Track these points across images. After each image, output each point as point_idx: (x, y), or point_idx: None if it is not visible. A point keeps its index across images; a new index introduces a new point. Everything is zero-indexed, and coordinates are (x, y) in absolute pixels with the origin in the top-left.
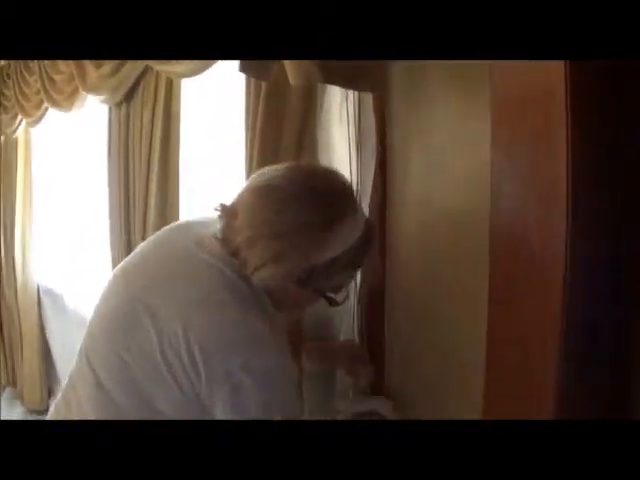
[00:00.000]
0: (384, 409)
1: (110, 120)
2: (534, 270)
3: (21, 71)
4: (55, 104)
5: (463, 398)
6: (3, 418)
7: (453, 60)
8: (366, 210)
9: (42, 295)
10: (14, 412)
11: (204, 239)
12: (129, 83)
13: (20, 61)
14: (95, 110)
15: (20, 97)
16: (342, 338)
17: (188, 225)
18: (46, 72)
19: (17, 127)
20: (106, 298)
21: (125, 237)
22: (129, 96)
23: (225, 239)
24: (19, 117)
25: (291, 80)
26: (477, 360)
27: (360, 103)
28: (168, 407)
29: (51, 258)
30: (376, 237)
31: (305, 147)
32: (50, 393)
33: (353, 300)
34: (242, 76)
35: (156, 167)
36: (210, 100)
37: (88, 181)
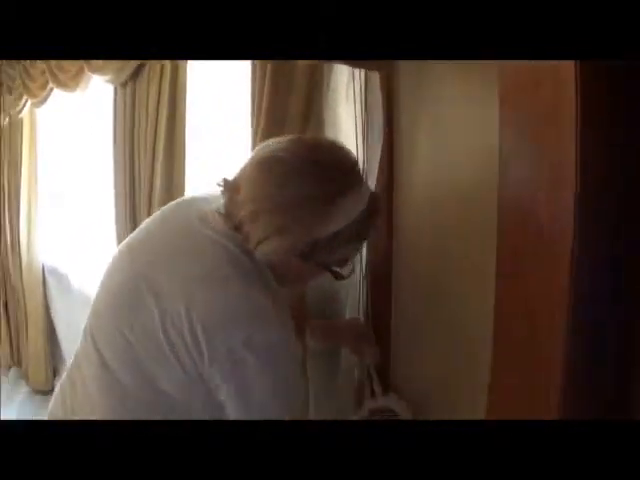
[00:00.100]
0: (398, 407)
1: (115, 100)
2: (542, 244)
3: None
4: (60, 84)
5: (471, 374)
6: (8, 398)
7: (458, 60)
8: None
9: (47, 275)
10: (19, 392)
11: (207, 214)
12: (134, 63)
13: None
14: (100, 90)
15: (25, 77)
16: (348, 316)
17: (192, 201)
18: None
19: (22, 108)
20: (110, 274)
21: (130, 217)
22: (134, 76)
23: (228, 214)
24: (24, 98)
25: None
26: (485, 335)
27: (367, 82)
28: (171, 387)
29: (56, 238)
30: (381, 210)
31: (311, 126)
32: (55, 373)
33: (359, 276)
34: None
35: (162, 147)
36: (216, 80)
37: (93, 161)
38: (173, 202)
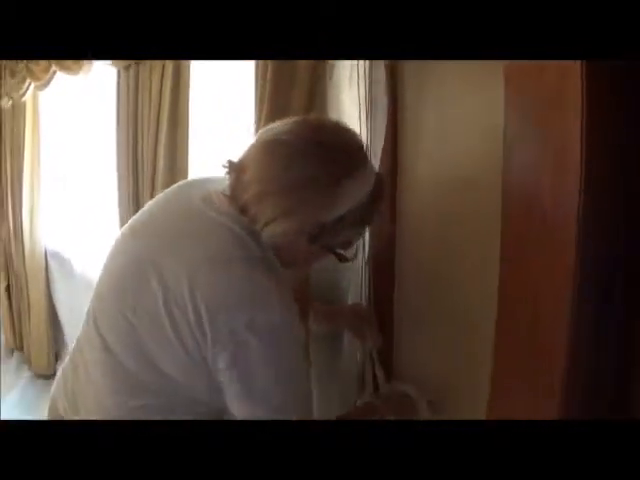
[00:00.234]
0: (412, 392)
1: (119, 83)
2: (546, 229)
3: None
4: (63, 67)
5: (473, 359)
6: (11, 383)
7: (461, 60)
8: None
9: (49, 259)
10: (21, 376)
11: (212, 196)
12: None
13: None
14: (103, 73)
15: (28, 60)
16: (350, 302)
17: (195, 183)
18: None
19: (25, 91)
20: (113, 257)
21: (133, 201)
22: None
23: (233, 195)
24: (27, 81)
25: None
26: (488, 321)
27: (372, 63)
28: (175, 370)
29: (59, 222)
30: (386, 192)
31: (315, 108)
32: (57, 357)
33: (361, 262)
34: None
35: (165, 130)
36: (219, 63)
37: (96, 145)
38: (176, 184)
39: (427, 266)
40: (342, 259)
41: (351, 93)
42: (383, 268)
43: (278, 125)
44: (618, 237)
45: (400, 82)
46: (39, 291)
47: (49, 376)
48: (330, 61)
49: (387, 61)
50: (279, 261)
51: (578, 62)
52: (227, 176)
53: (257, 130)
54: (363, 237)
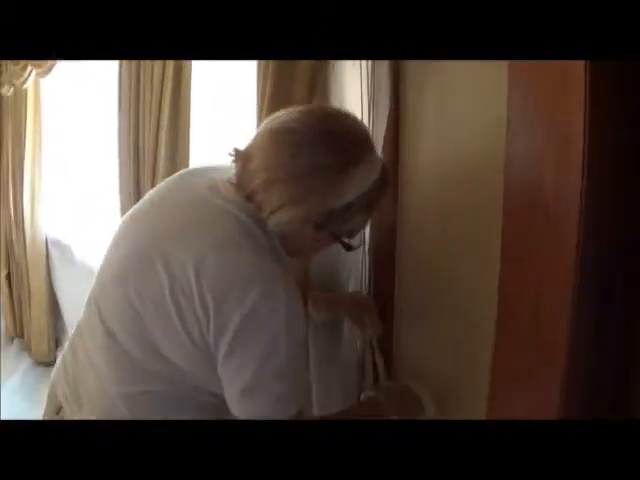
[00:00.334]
0: (415, 388)
1: (120, 70)
2: (548, 226)
3: None
4: None
5: (473, 354)
6: (11, 370)
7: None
8: None
9: (50, 246)
10: (21, 364)
11: (218, 184)
12: None
13: None
14: (105, 60)
15: None
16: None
17: (197, 171)
18: None
19: (27, 78)
20: (116, 245)
21: (134, 188)
22: None
23: (240, 183)
24: (29, 68)
25: None
26: (488, 312)
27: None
28: (180, 358)
29: (60, 210)
30: (392, 181)
31: (317, 98)
32: (57, 344)
33: (361, 254)
34: None
35: (166, 117)
36: None
37: (98, 132)
38: (177, 173)
39: (427, 259)
40: (347, 247)
41: (353, 85)
42: (383, 259)
43: (285, 113)
44: (619, 236)
45: (402, 74)
46: (40, 278)
47: (49, 363)
48: None
49: None
50: (285, 249)
51: None
52: (231, 164)
53: (259, 119)
54: (363, 229)
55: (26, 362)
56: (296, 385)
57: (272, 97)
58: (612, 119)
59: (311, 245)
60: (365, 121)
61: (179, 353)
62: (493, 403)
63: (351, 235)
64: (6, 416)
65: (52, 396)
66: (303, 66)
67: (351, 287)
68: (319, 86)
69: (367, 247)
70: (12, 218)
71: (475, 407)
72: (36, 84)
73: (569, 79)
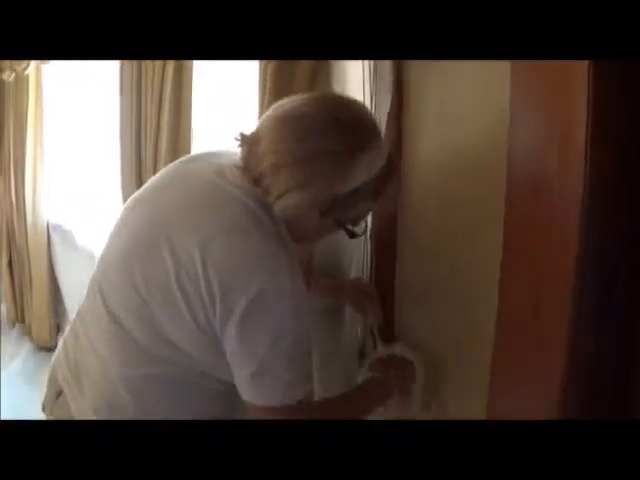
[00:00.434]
0: (404, 352)
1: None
2: (550, 217)
3: None
4: None
5: (473, 344)
6: (12, 355)
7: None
8: None
9: (52, 232)
10: (22, 349)
11: (224, 169)
12: None
13: None
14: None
15: None
16: None
17: (205, 156)
18: None
19: (28, 64)
20: (119, 231)
21: (136, 174)
22: None
23: (247, 168)
24: None
25: None
26: (489, 301)
27: None
28: (186, 343)
29: (61, 195)
30: (397, 170)
31: (319, 87)
32: (59, 329)
33: (363, 242)
34: None
35: (168, 102)
36: None
37: (99, 118)
38: (182, 158)
39: (429, 247)
40: (351, 235)
41: (356, 74)
42: (385, 247)
43: (293, 99)
44: (622, 227)
45: (405, 63)
46: (41, 264)
47: (50, 348)
48: None
49: None
50: (289, 234)
51: None
52: (232, 150)
53: (260, 107)
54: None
55: (27, 347)
56: (303, 368)
57: (273, 88)
58: (615, 110)
59: (316, 231)
60: (367, 105)
61: (185, 338)
62: (492, 405)
63: (355, 222)
64: (7, 401)
65: (52, 380)
66: (303, 65)
67: (353, 274)
68: (321, 77)
69: (369, 234)
70: (13, 204)
71: (475, 395)
72: (38, 70)
73: (572, 70)
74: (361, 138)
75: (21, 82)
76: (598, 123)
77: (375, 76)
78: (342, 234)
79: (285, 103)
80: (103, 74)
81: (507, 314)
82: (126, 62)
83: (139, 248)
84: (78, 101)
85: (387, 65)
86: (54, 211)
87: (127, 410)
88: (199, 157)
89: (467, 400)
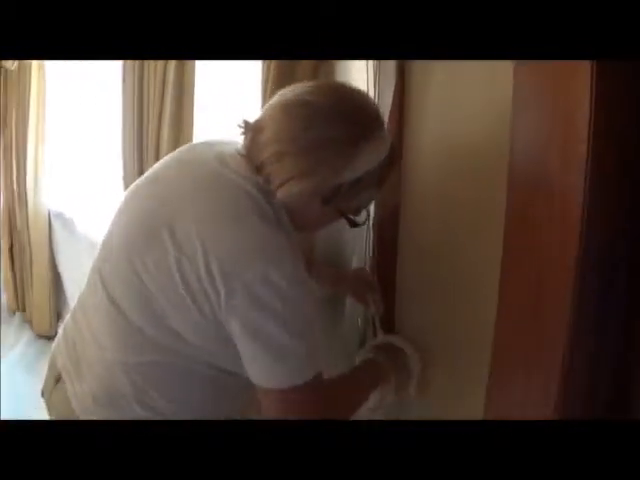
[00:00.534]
0: (400, 343)
1: None
2: (552, 208)
3: None
4: None
5: (473, 336)
6: (12, 343)
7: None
8: None
9: (53, 220)
10: (23, 337)
11: (227, 156)
12: None
13: None
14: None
15: None
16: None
17: (208, 144)
18: None
19: None
20: (120, 218)
21: (138, 161)
22: None
23: (249, 155)
24: None
25: None
26: (490, 292)
27: None
28: (186, 329)
29: (62, 182)
30: (400, 160)
31: (321, 75)
32: (59, 318)
33: (365, 232)
34: None
35: (171, 90)
36: None
37: (101, 105)
38: (185, 145)
39: (430, 239)
40: (353, 224)
41: (360, 69)
42: (386, 238)
43: (298, 87)
44: (624, 225)
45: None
46: (42, 252)
47: (50, 336)
48: None
49: None
50: (291, 223)
51: None
52: (234, 138)
53: (263, 98)
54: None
55: (27, 335)
56: (310, 350)
57: (276, 76)
58: (617, 110)
59: (317, 220)
60: (371, 93)
61: (187, 325)
62: (491, 405)
63: (357, 212)
64: (7, 389)
65: (52, 366)
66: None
67: (354, 265)
68: (324, 71)
69: (371, 223)
70: (15, 192)
71: (475, 389)
72: None
73: (575, 68)
74: (365, 127)
75: (24, 71)
76: (600, 123)
77: (378, 71)
78: (344, 225)
79: (289, 91)
80: (106, 63)
81: (507, 314)
82: None
83: (140, 234)
84: (80, 90)
85: (390, 61)
86: (55, 199)
87: (126, 397)
88: (201, 145)
89: (466, 397)
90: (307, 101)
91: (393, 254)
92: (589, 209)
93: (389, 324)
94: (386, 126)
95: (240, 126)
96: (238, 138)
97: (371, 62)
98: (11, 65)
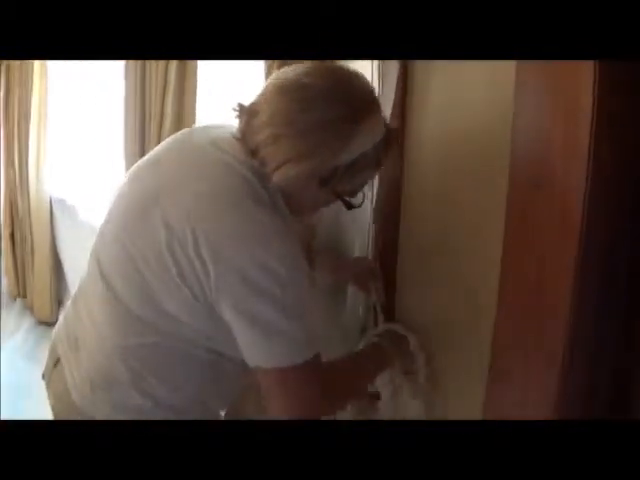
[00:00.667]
0: (402, 330)
1: None
2: (553, 207)
3: None
4: None
5: (475, 317)
6: (13, 329)
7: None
8: None
9: (54, 207)
10: (24, 323)
11: (222, 139)
12: None
13: None
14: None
15: None
16: None
17: (205, 128)
18: None
19: None
20: (117, 199)
21: (140, 148)
22: None
23: (244, 138)
24: None
25: None
26: (491, 278)
27: None
28: (178, 311)
29: (64, 170)
30: (397, 142)
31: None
32: (60, 304)
33: (369, 223)
34: None
35: (173, 78)
36: None
37: (104, 92)
38: (180, 132)
39: (432, 225)
40: (349, 206)
41: (361, 63)
42: (388, 231)
43: (292, 69)
44: (626, 213)
45: None
46: (43, 238)
47: (51, 323)
48: None
49: None
50: (286, 206)
51: None
52: (236, 120)
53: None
54: (372, 195)
55: (28, 322)
56: (307, 331)
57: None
58: (619, 108)
59: (313, 202)
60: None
61: (180, 307)
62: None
63: (353, 194)
64: (7, 375)
65: (52, 351)
66: None
67: (356, 254)
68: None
69: (373, 205)
70: (17, 178)
71: (475, 378)
72: None
73: (577, 64)
74: (361, 108)
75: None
76: (601, 123)
77: (380, 71)
78: (346, 214)
79: (283, 73)
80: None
81: (507, 312)
82: None
83: (133, 217)
84: (82, 76)
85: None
86: (57, 186)
87: (121, 380)
88: (199, 129)
89: (465, 395)
90: (304, 83)
91: (394, 247)
92: (589, 209)
93: (390, 314)
94: (386, 114)
95: (235, 109)
96: (235, 123)
97: (373, 62)
98: None
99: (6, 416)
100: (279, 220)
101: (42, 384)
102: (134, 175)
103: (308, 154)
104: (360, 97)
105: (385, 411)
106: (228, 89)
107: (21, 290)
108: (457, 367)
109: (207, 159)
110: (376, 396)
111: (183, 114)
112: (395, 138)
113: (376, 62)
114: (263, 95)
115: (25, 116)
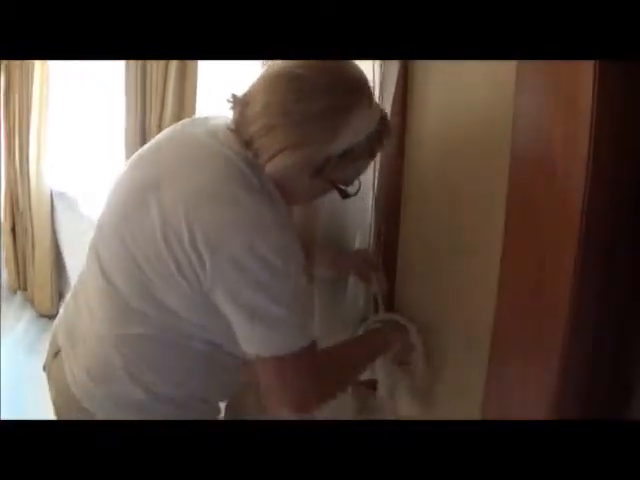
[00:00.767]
0: (402, 320)
1: None
2: (554, 191)
3: None
4: None
5: (475, 309)
6: (14, 322)
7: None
8: None
9: (55, 200)
10: (24, 316)
11: (217, 130)
12: None
13: None
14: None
15: None
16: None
17: (202, 119)
18: None
19: None
20: (115, 190)
21: (140, 141)
22: None
23: (238, 129)
24: None
25: None
26: (492, 271)
27: None
28: (174, 302)
29: (65, 162)
30: (390, 132)
31: None
32: (60, 297)
33: (370, 215)
34: None
35: (174, 69)
36: None
37: (104, 85)
38: (181, 121)
39: (433, 218)
40: (344, 195)
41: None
42: (389, 219)
43: (284, 60)
44: (627, 204)
45: None
46: (44, 231)
47: (52, 316)
48: None
49: None
50: (281, 196)
51: None
52: (231, 110)
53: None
54: (373, 187)
55: (29, 314)
56: (303, 319)
57: None
58: (623, 85)
59: (307, 192)
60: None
61: (175, 297)
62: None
63: (347, 183)
64: (8, 368)
65: (53, 342)
66: None
67: (357, 246)
68: None
69: (373, 206)
70: (18, 171)
71: (474, 378)
72: None
73: (578, 61)
74: (355, 97)
75: None
76: (602, 116)
77: (381, 70)
78: (347, 208)
79: (276, 64)
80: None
81: (507, 312)
82: None
83: (129, 207)
84: (83, 68)
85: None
86: (58, 179)
87: (117, 371)
88: (196, 120)
89: (464, 393)
90: (297, 74)
91: (394, 234)
92: (589, 209)
93: (390, 306)
94: (387, 105)
95: (229, 100)
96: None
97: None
98: None
99: (7, 409)
100: (274, 210)
101: (43, 377)
102: (131, 167)
103: (301, 144)
104: (354, 87)
105: (382, 403)
106: (228, 89)
107: (22, 283)
108: (456, 366)
109: (205, 150)
110: (372, 386)
111: (183, 114)
112: (389, 128)
113: (376, 62)
114: (256, 85)
115: (26, 109)
